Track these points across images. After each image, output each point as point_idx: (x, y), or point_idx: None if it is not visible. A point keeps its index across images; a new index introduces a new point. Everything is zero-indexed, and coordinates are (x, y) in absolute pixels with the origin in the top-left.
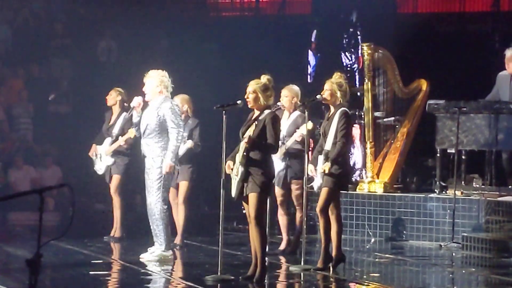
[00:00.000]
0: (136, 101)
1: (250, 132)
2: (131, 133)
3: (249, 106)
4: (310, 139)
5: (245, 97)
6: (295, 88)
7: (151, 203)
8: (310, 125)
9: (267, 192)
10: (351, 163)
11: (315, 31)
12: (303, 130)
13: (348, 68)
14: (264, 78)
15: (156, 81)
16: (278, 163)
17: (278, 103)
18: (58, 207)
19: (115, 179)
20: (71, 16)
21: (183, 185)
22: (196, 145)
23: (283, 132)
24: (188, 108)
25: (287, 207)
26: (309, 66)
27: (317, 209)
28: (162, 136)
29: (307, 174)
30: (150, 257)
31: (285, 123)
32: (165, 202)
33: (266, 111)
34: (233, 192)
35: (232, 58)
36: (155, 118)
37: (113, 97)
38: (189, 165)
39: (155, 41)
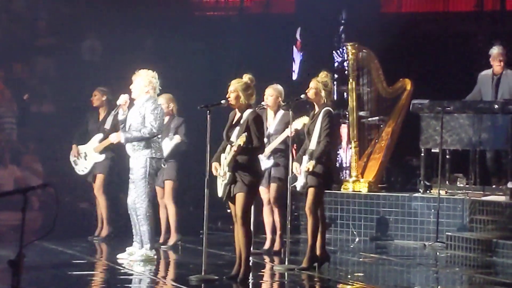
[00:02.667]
0: (123, 99)
1: (239, 140)
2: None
3: (230, 105)
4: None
5: (227, 96)
6: (279, 87)
7: (136, 202)
8: (299, 124)
9: (254, 192)
10: (339, 162)
11: (299, 28)
12: (296, 125)
13: (340, 67)
14: (246, 77)
15: (145, 80)
16: (264, 162)
17: (263, 103)
18: (42, 206)
19: (99, 178)
20: (55, 15)
21: (169, 184)
22: (182, 142)
23: (270, 131)
24: (173, 107)
25: (280, 205)
26: (293, 63)
27: (306, 208)
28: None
29: (291, 173)
30: (134, 257)
31: (272, 122)
32: (150, 201)
33: (248, 111)
34: (220, 193)
35: (216, 58)
36: (138, 117)
37: (98, 98)
38: (175, 164)
39: (140, 41)
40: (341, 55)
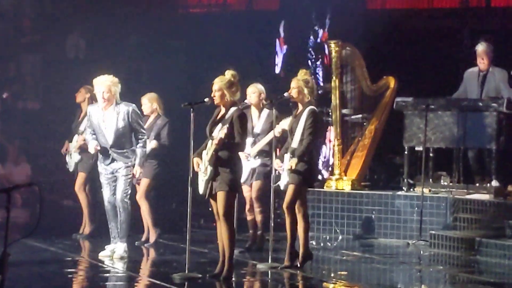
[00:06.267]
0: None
1: (220, 133)
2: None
3: (215, 103)
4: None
5: (212, 95)
6: (260, 86)
7: (121, 200)
8: (286, 124)
9: (236, 190)
10: (323, 160)
11: (283, 22)
12: (282, 125)
13: (313, 65)
14: (229, 74)
15: (107, 87)
16: (250, 161)
17: (246, 101)
18: (26, 204)
19: (80, 177)
20: (40, 12)
21: (144, 182)
22: (162, 145)
23: (256, 130)
24: (157, 107)
25: (263, 203)
26: (276, 56)
27: (284, 206)
28: (126, 137)
29: (274, 172)
30: (119, 254)
31: (257, 122)
32: (129, 199)
33: (233, 108)
34: (200, 189)
35: (199, 55)
36: (122, 127)
37: (82, 94)
38: (153, 162)
39: (123, 38)
40: (313, 54)
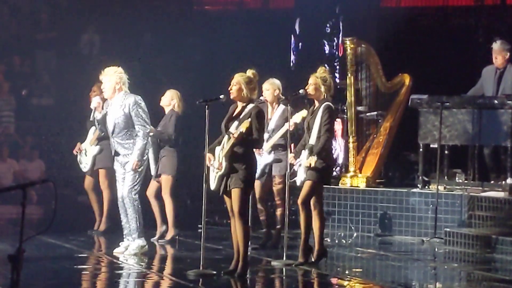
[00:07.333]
0: (95, 101)
1: (241, 127)
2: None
3: (232, 97)
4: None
5: (229, 89)
6: (276, 81)
7: (127, 195)
8: (298, 118)
9: (251, 187)
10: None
11: (298, 19)
12: (295, 119)
13: (330, 58)
14: (250, 72)
15: (114, 78)
16: (264, 156)
17: (261, 97)
18: (40, 200)
19: (102, 173)
20: (55, 8)
21: (166, 179)
22: (168, 136)
23: (271, 126)
24: (176, 103)
25: (266, 202)
26: (292, 53)
27: (299, 201)
28: (132, 132)
29: (289, 167)
30: (131, 250)
31: (272, 118)
32: (138, 194)
33: (250, 105)
34: (212, 185)
35: (215, 52)
36: (121, 116)
37: (97, 94)
38: (172, 158)
39: (138, 35)
40: (332, 46)
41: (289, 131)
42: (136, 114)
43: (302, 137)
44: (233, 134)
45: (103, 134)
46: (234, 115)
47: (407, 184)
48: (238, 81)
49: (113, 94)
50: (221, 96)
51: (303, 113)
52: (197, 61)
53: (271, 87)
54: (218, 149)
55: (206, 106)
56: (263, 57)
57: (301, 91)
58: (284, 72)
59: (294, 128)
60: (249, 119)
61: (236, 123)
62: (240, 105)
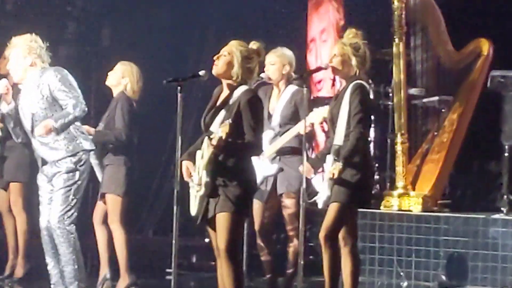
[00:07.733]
0: (2, 86)
1: (220, 129)
2: None
3: (214, 73)
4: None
5: (214, 58)
6: (287, 52)
7: (56, 227)
8: (318, 117)
9: (244, 211)
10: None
11: None
12: (312, 117)
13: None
14: (254, 46)
15: (23, 50)
16: (265, 166)
17: (262, 74)
18: None
19: (14, 190)
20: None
21: (112, 200)
22: (115, 136)
23: (275, 118)
24: (128, 82)
25: (271, 235)
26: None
27: (321, 234)
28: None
29: (305, 182)
30: None
31: (276, 105)
32: (74, 222)
33: (242, 88)
34: (193, 210)
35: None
36: (40, 101)
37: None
38: (120, 169)
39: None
40: None
41: (305, 127)
42: (60, 89)
43: (328, 135)
44: (210, 140)
45: (20, 140)
46: (218, 103)
47: (485, 207)
48: (231, 50)
49: (24, 75)
50: (201, 73)
51: (324, 111)
52: (168, 19)
53: (278, 61)
54: (199, 154)
55: (179, 88)
56: (274, 22)
57: (323, 65)
58: (298, 40)
59: (311, 131)
60: (230, 120)
61: (222, 114)
62: (226, 88)
